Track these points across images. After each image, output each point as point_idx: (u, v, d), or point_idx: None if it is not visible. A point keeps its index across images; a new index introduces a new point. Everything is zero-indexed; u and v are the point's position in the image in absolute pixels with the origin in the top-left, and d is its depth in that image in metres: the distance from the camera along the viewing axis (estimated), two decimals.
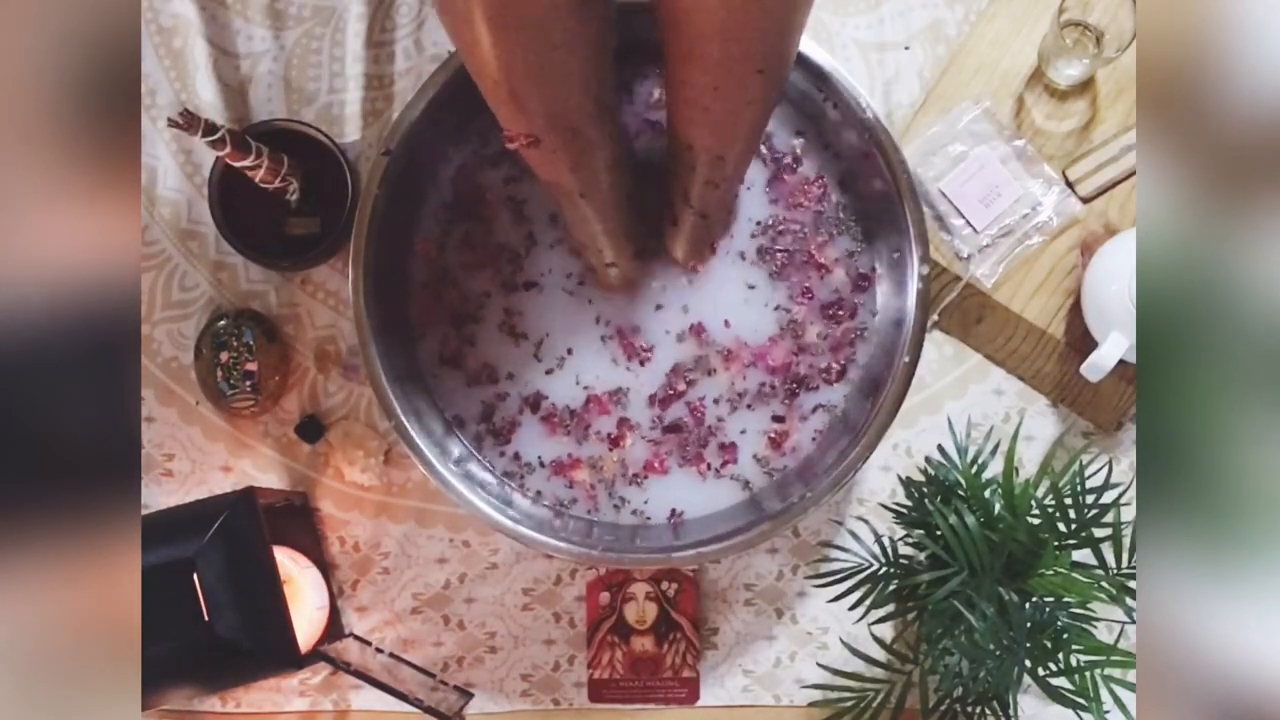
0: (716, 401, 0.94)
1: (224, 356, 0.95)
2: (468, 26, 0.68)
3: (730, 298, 0.95)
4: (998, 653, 0.81)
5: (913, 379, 0.87)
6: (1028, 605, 0.81)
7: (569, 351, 0.95)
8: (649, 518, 0.94)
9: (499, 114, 0.76)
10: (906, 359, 0.87)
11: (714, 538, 0.88)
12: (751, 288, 0.95)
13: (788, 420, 0.94)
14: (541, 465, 0.95)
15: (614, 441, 0.95)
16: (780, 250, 0.95)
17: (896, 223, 0.89)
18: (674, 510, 0.94)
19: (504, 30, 0.68)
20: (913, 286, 0.88)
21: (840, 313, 0.94)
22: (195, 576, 0.85)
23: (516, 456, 0.95)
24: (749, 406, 0.94)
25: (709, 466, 0.94)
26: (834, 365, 0.94)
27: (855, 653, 0.92)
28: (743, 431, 0.94)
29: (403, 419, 0.88)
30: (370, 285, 0.89)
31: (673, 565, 0.97)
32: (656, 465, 0.94)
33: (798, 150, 0.96)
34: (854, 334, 0.94)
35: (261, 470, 1.02)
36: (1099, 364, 0.91)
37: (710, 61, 0.72)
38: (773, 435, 0.94)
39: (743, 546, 0.87)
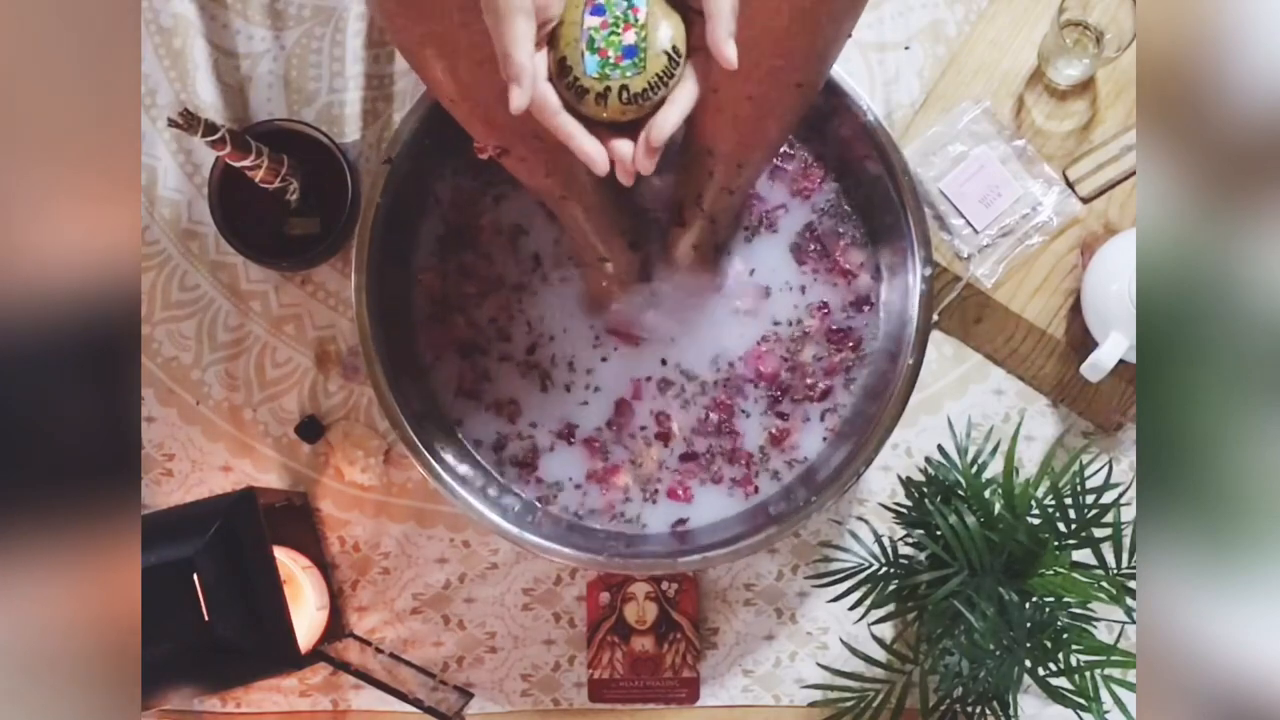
0: (720, 401, 0.94)
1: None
2: (413, 51, 0.69)
3: (728, 306, 0.95)
4: (998, 653, 0.81)
5: (917, 380, 0.87)
6: (1028, 605, 0.81)
7: (586, 372, 0.95)
8: (657, 529, 0.94)
9: (467, 129, 0.76)
10: (911, 360, 0.87)
11: (721, 542, 0.88)
12: (785, 288, 0.95)
13: (790, 419, 0.94)
14: (572, 483, 0.95)
15: (658, 437, 0.94)
16: (815, 247, 0.94)
17: (898, 223, 0.89)
18: (678, 519, 0.94)
19: (450, 53, 0.68)
20: (916, 287, 0.88)
21: (848, 342, 0.94)
22: (195, 576, 0.85)
23: (540, 481, 0.95)
24: (747, 407, 0.94)
25: (729, 480, 0.94)
26: (822, 386, 0.94)
27: (855, 653, 0.92)
28: (746, 415, 0.94)
29: (403, 420, 0.88)
30: (372, 288, 0.88)
31: (679, 570, 0.97)
32: (681, 494, 0.94)
33: (795, 150, 0.96)
34: (850, 362, 0.94)
35: (261, 470, 1.02)
36: (1099, 364, 0.91)
37: (751, 74, 0.72)
38: (774, 432, 0.94)
39: (748, 551, 0.87)
